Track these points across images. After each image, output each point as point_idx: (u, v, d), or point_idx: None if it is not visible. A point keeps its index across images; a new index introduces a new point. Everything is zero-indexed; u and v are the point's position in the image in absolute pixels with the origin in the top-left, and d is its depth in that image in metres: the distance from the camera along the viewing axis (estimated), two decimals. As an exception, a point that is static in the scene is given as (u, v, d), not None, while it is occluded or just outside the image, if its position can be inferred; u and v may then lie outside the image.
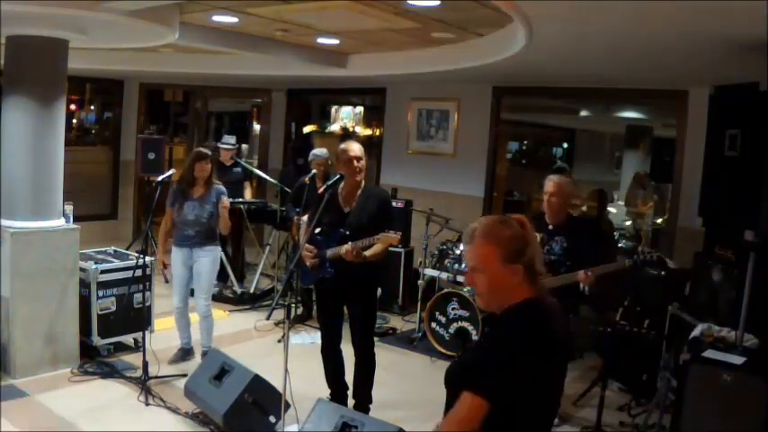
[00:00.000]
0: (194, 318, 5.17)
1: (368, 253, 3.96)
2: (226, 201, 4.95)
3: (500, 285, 1.89)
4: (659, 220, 7.77)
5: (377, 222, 3.98)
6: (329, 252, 4.08)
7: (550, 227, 4.34)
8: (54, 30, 4.55)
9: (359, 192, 4.14)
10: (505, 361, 1.78)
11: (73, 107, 9.89)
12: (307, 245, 4.10)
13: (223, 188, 5.06)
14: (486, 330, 2.07)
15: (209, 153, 5.05)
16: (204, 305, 5.04)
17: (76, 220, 5.02)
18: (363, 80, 7.71)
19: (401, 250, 6.65)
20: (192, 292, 5.11)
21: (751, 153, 4.21)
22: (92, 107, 10.11)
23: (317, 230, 4.11)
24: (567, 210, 4.38)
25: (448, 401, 1.92)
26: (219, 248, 5.12)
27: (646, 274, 4.94)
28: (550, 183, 4.34)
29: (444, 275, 6.09)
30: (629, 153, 11.20)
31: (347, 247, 3.94)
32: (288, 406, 3.72)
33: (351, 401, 4.30)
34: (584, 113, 10.56)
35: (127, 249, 6.07)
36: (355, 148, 4.10)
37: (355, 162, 4.06)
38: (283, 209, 6.84)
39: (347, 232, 4.03)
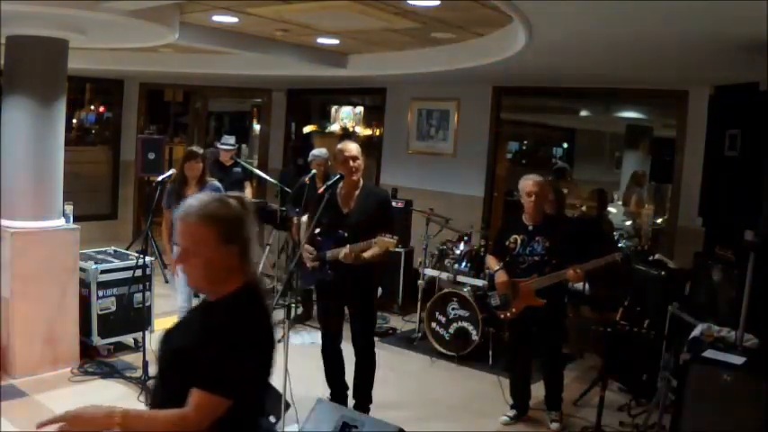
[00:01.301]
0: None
1: (367, 254, 3.96)
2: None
3: (215, 268, 1.80)
4: (659, 220, 7.76)
5: (376, 223, 3.98)
6: (328, 254, 4.08)
7: (530, 227, 4.33)
8: (54, 30, 4.55)
9: (357, 192, 4.14)
10: (239, 353, 1.73)
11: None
12: (307, 246, 4.10)
13: (218, 184, 5.03)
14: (198, 316, 1.97)
15: (200, 152, 5.02)
16: None
17: (76, 220, 5.02)
18: (363, 80, 7.70)
19: (401, 250, 6.64)
20: (196, 293, 5.10)
21: (751, 153, 4.20)
22: (92, 107, 10.11)
23: (317, 231, 4.11)
24: (544, 209, 4.37)
25: (160, 386, 1.91)
26: None
27: (646, 274, 4.94)
28: (530, 182, 4.30)
29: (444, 275, 6.09)
30: (629, 153, 11.18)
31: (345, 250, 3.94)
32: (288, 406, 3.72)
33: (351, 401, 4.30)
34: (584, 113, 10.55)
35: (127, 249, 6.08)
36: (352, 148, 4.09)
37: (351, 162, 4.05)
38: (283, 209, 6.83)
39: (345, 234, 4.03)
